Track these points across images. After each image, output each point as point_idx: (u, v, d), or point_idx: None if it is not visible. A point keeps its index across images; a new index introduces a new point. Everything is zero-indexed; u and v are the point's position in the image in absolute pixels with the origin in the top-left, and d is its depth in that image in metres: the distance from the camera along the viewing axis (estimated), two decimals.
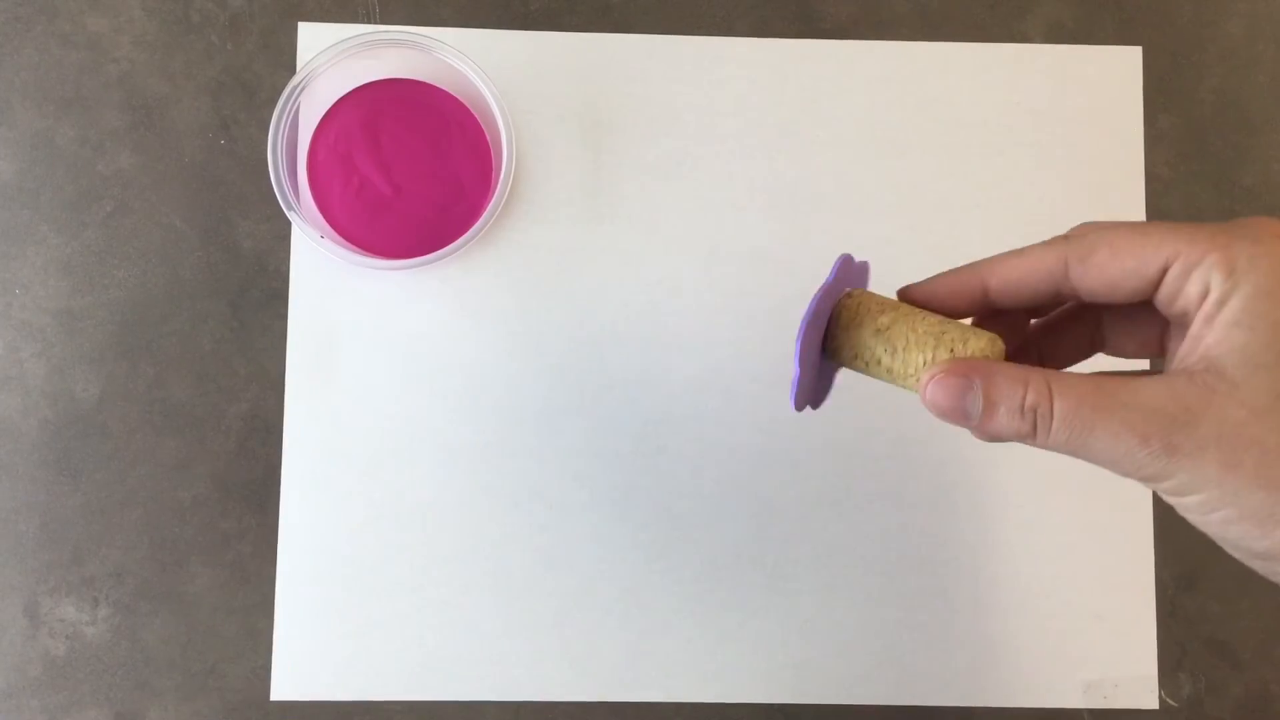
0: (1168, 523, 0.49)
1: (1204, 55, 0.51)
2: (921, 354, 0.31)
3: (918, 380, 0.31)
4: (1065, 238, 0.31)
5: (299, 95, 0.46)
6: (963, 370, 0.29)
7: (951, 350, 0.30)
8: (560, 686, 0.47)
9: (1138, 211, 0.50)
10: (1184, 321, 0.29)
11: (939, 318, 0.32)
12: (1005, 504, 0.49)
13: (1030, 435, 0.29)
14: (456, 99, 0.49)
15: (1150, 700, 0.48)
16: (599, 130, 0.50)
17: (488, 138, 0.49)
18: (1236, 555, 0.29)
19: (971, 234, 0.49)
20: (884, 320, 0.32)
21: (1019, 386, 0.29)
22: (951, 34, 0.51)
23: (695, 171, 0.50)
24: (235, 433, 0.48)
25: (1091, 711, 0.48)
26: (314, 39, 0.49)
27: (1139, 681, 0.48)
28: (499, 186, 0.46)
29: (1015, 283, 0.31)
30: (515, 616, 0.48)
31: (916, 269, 0.50)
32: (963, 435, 0.49)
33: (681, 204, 0.50)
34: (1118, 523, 0.49)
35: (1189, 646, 0.49)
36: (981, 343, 0.30)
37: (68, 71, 0.49)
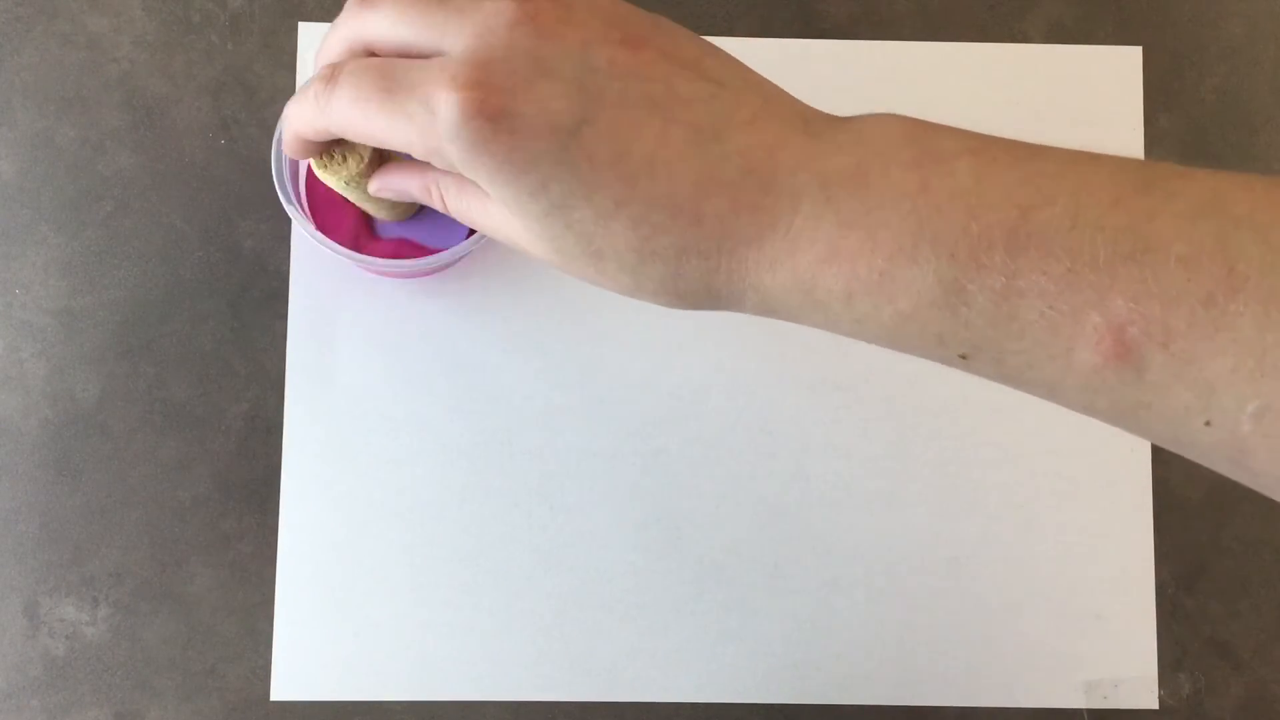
0: (1168, 523, 0.49)
1: (1204, 55, 0.51)
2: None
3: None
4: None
5: None
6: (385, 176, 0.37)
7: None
8: (560, 686, 0.47)
9: None
10: None
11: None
12: (1005, 504, 0.49)
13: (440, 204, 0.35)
14: None
15: (1150, 700, 0.48)
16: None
17: None
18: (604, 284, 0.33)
19: None
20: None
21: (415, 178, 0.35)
22: (951, 34, 0.51)
23: None
24: (235, 433, 0.48)
25: (1091, 711, 0.48)
26: (314, 39, 0.49)
27: (1139, 681, 0.48)
28: None
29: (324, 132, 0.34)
30: (515, 616, 0.48)
31: None
32: (962, 435, 0.49)
33: None
34: (1118, 523, 0.49)
35: (1189, 646, 0.49)
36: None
37: (68, 71, 0.49)
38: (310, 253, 0.49)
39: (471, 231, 0.43)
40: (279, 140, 0.46)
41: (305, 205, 0.48)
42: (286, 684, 0.47)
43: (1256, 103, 0.51)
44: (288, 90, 0.49)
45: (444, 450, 0.48)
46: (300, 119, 0.33)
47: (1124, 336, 0.25)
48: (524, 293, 0.49)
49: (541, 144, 0.29)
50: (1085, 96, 0.51)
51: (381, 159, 0.38)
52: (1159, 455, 0.49)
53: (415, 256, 0.48)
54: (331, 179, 0.37)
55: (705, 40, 0.32)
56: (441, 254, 0.45)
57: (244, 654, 0.47)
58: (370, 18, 0.31)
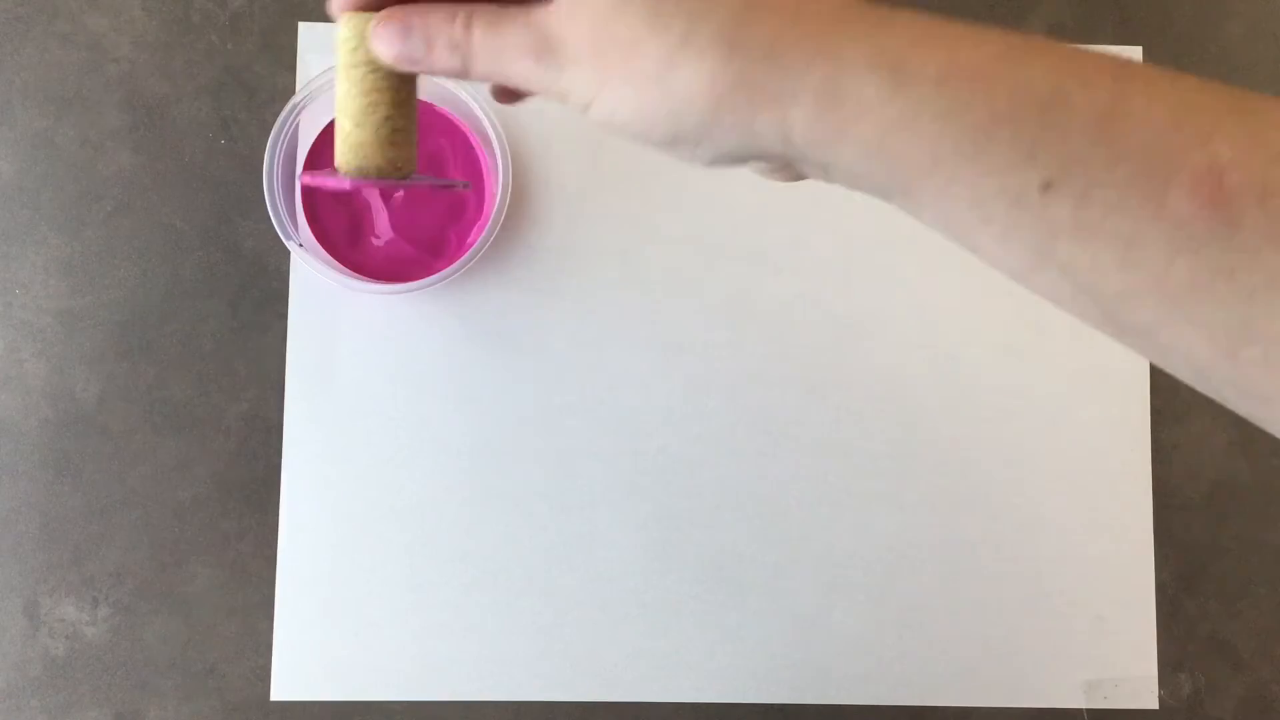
0: (1168, 523, 0.49)
1: (1204, 55, 0.51)
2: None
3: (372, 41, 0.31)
4: None
5: (296, 117, 0.46)
6: (400, 16, 0.30)
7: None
8: (560, 686, 0.47)
9: None
10: None
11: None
12: (1005, 504, 0.49)
13: (462, 70, 0.30)
14: (453, 119, 0.48)
15: (1150, 700, 0.48)
16: (599, 130, 0.50)
17: (484, 157, 0.49)
18: (651, 146, 0.30)
19: None
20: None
21: (448, 23, 0.30)
22: None
23: (695, 172, 0.50)
24: (235, 433, 0.48)
25: (1091, 711, 0.48)
26: (314, 39, 0.49)
27: (1139, 681, 0.48)
28: (495, 208, 0.46)
29: None
30: (515, 616, 0.48)
31: (917, 268, 0.50)
32: (962, 435, 0.49)
33: (681, 204, 0.50)
34: (1118, 523, 0.49)
35: (1189, 646, 0.49)
36: None
37: (68, 71, 0.49)
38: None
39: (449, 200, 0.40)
40: (271, 170, 0.45)
41: (302, 207, 0.48)
42: (286, 684, 0.47)
43: None
44: (288, 90, 0.49)
45: (444, 450, 0.48)
46: None
47: (1224, 182, 0.24)
48: (524, 293, 0.49)
49: None
50: None
51: (400, 95, 0.32)
52: (1159, 455, 0.49)
53: (408, 259, 0.48)
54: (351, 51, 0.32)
55: None
56: (438, 273, 0.46)
57: (244, 654, 0.47)
58: None
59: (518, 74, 0.30)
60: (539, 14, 0.29)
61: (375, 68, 0.31)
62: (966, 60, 0.25)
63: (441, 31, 0.30)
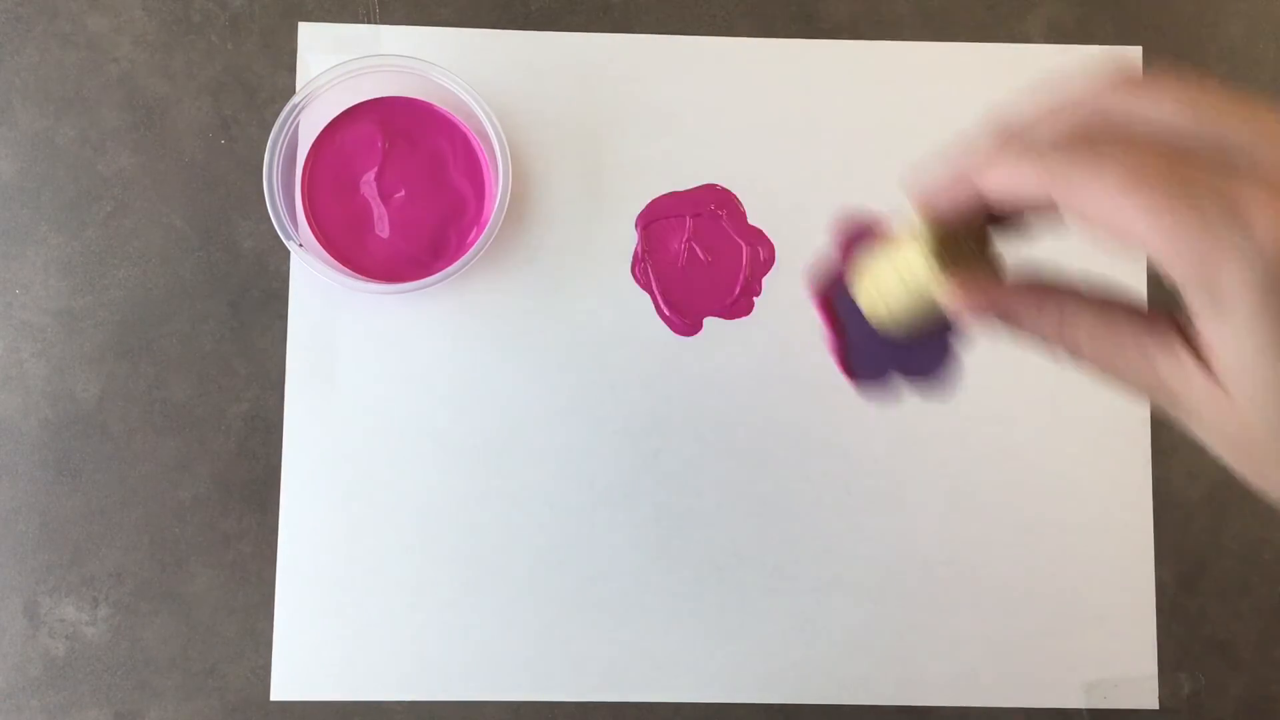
0: (1168, 523, 0.49)
1: (1204, 55, 0.51)
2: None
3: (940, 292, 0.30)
4: (1065, 160, 0.26)
5: (295, 117, 0.46)
6: (1001, 309, 0.29)
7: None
8: (560, 686, 0.47)
9: None
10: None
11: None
12: (1005, 504, 0.49)
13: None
14: (454, 120, 0.48)
15: (1150, 700, 0.48)
16: (599, 130, 0.50)
17: (484, 157, 0.49)
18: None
19: None
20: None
21: (1053, 327, 0.29)
22: (951, 34, 0.51)
23: (695, 171, 0.50)
24: (235, 433, 0.48)
25: (1091, 711, 0.48)
26: (314, 39, 0.49)
27: (1139, 681, 0.48)
28: (495, 208, 0.46)
29: (1009, 201, 0.28)
30: (515, 616, 0.48)
31: None
32: (963, 436, 0.49)
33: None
34: (1118, 523, 0.49)
35: (1189, 646, 0.49)
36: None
37: (68, 71, 0.49)
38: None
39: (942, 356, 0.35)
40: (270, 170, 0.45)
41: (305, 196, 0.48)
42: (286, 684, 0.47)
43: None
44: (287, 90, 0.49)
45: (444, 450, 0.48)
46: (1002, 173, 0.27)
47: None
48: (524, 293, 0.49)
49: None
50: None
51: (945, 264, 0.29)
52: (1159, 455, 0.49)
53: (408, 259, 0.48)
54: (923, 270, 0.29)
55: None
56: (438, 273, 0.46)
57: (244, 654, 0.47)
58: (1142, 99, 0.26)
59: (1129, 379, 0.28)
60: (1164, 361, 0.27)
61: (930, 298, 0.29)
62: None
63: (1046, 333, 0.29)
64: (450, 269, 0.46)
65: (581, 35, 0.50)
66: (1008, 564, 0.49)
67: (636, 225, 0.49)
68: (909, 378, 0.35)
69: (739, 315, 0.49)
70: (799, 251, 0.50)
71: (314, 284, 0.49)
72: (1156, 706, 0.48)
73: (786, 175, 0.50)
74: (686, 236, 0.49)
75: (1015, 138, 0.27)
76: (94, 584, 0.47)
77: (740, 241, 0.49)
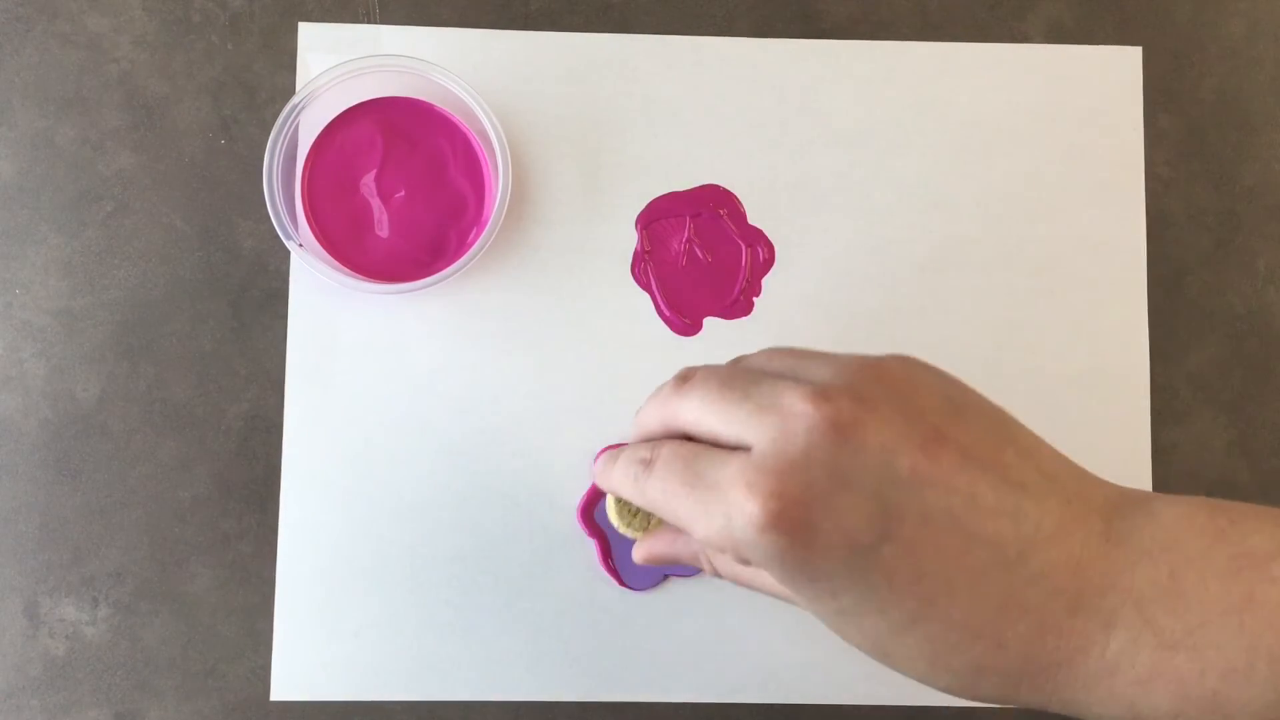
0: None
1: (1204, 55, 0.51)
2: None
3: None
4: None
5: (295, 117, 0.46)
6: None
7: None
8: (560, 686, 0.47)
9: (1138, 211, 0.50)
10: None
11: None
12: None
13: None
14: (453, 120, 0.48)
15: None
16: (599, 130, 0.50)
17: (484, 157, 0.49)
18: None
19: (971, 233, 0.49)
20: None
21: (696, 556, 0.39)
22: (951, 34, 0.51)
23: (695, 171, 0.50)
24: (235, 433, 0.48)
25: None
26: (314, 39, 0.49)
27: None
28: (495, 208, 0.46)
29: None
30: (515, 616, 0.48)
31: (915, 268, 0.50)
32: None
33: None
34: None
35: None
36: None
37: (68, 71, 0.49)
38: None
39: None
40: (270, 170, 0.46)
41: (305, 196, 0.48)
42: (286, 684, 0.47)
43: (1256, 103, 0.51)
44: (287, 90, 0.49)
45: (444, 450, 0.48)
46: (620, 486, 0.35)
47: None
48: (523, 293, 0.49)
49: (838, 560, 0.29)
50: (1085, 96, 0.51)
51: None
52: (1159, 455, 0.49)
53: (408, 259, 0.48)
54: (623, 528, 0.40)
55: (1004, 416, 0.32)
56: (438, 273, 0.46)
57: (244, 654, 0.47)
58: (684, 404, 0.32)
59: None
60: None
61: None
62: (1198, 693, 0.28)
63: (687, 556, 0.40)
64: (450, 269, 0.46)
65: (581, 35, 0.50)
66: None
67: (636, 225, 0.49)
68: (669, 572, 0.47)
69: (739, 315, 0.49)
70: (799, 251, 0.50)
71: (314, 284, 0.49)
72: None
73: (786, 175, 0.50)
74: (687, 236, 0.49)
75: (611, 456, 0.35)
76: (94, 584, 0.47)
77: (740, 241, 0.49)
